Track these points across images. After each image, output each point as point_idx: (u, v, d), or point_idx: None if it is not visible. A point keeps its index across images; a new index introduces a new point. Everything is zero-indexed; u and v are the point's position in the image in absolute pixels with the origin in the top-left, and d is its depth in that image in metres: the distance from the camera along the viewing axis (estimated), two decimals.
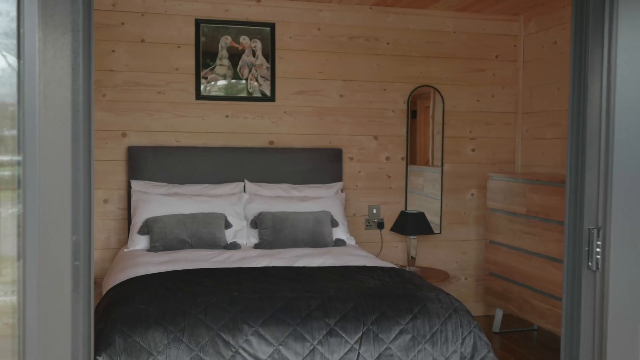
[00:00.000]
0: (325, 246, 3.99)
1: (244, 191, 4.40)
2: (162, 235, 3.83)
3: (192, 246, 3.85)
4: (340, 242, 4.06)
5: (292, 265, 3.31)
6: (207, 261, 3.41)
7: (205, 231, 3.89)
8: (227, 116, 4.54)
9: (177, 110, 4.46)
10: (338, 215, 4.28)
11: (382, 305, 2.67)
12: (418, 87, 4.87)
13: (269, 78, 4.59)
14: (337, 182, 4.61)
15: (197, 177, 4.40)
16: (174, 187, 4.29)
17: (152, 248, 3.78)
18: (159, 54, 4.41)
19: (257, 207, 4.20)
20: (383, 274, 3.13)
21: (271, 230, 3.99)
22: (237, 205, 4.20)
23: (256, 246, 3.94)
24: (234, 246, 3.86)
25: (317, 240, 4.00)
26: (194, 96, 4.48)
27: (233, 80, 4.53)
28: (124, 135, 4.38)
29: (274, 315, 2.53)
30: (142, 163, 4.33)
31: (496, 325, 4.57)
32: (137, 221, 4.02)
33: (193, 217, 3.96)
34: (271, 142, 4.62)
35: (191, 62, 4.46)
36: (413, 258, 4.57)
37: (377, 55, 4.79)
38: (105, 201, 4.36)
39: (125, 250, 3.94)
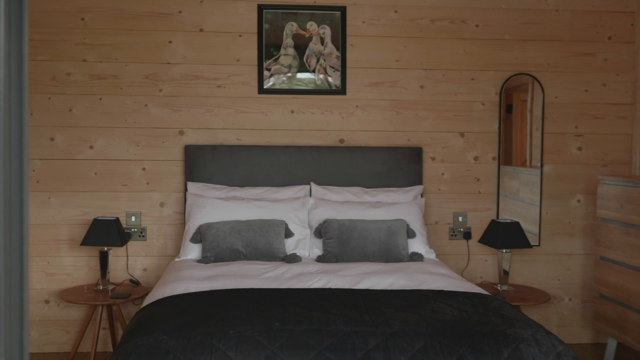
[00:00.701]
0: (399, 261, 3.43)
1: (310, 195, 3.92)
2: (215, 245, 3.43)
3: (246, 257, 3.42)
4: (416, 257, 3.48)
5: (354, 288, 2.78)
6: (257, 277, 2.96)
7: (262, 240, 3.44)
8: (292, 111, 4.08)
9: (238, 106, 4.05)
10: (416, 225, 3.70)
11: (460, 346, 2.09)
12: (513, 75, 4.19)
13: (339, 68, 4.08)
14: (416, 185, 4.03)
15: (258, 179, 3.98)
16: (232, 190, 3.88)
17: (203, 259, 3.39)
18: (219, 44, 4.02)
19: (322, 214, 3.71)
20: (465, 302, 2.53)
21: (337, 241, 3.49)
22: (300, 211, 3.73)
23: (319, 259, 3.44)
24: (293, 259, 3.38)
25: (390, 253, 3.45)
26: (256, 90, 4.06)
27: (299, 73, 4.06)
28: (181, 133, 4.03)
29: (320, 355, 2.02)
30: (200, 163, 3.96)
31: (608, 358, 3.82)
32: (190, 228, 3.65)
33: (249, 224, 3.52)
34: (341, 140, 4.11)
35: (253, 53, 4.04)
36: (506, 274, 3.91)
37: (464, 39, 4.16)
38: (161, 204, 4.03)
39: (176, 259, 3.58)
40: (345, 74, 4.09)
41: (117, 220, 3.77)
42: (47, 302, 3.98)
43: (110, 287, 3.78)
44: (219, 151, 3.97)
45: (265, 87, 4.05)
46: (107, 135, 3.98)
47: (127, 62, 3.97)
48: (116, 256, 4.01)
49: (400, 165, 4.05)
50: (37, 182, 3.95)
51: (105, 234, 3.70)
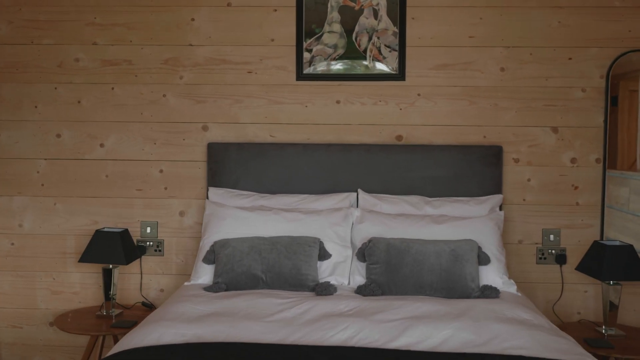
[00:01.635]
0: (466, 296, 2.59)
1: (356, 206, 3.14)
2: (228, 268, 2.73)
3: (267, 285, 2.70)
4: (490, 292, 2.62)
5: (389, 347, 1.97)
6: (265, 320, 2.21)
7: (288, 264, 2.70)
8: (337, 102, 3.32)
9: (272, 95, 3.33)
10: (491, 246, 2.84)
11: None
12: (624, 53, 3.22)
13: (397, 48, 3.28)
14: (494, 194, 3.16)
15: (294, 184, 3.24)
16: (261, 197, 3.17)
17: (213, 286, 2.70)
18: (250, 21, 3.32)
19: (369, 230, 2.93)
20: None
21: (383, 266, 2.69)
22: (341, 225, 2.96)
23: (359, 290, 2.66)
24: (325, 289, 2.62)
25: (453, 286, 2.61)
26: (293, 76, 3.32)
27: (347, 54, 3.29)
28: (204, 128, 3.36)
29: None
30: (225, 165, 3.28)
31: None
32: (205, 244, 2.98)
33: (274, 242, 2.79)
34: (399, 137, 3.30)
35: (291, 30, 3.31)
36: (614, 310, 2.96)
37: (559, 7, 3.24)
38: (181, 214, 3.38)
39: (186, 283, 2.92)
40: (404, 54, 3.28)
41: (123, 233, 3.16)
42: (51, 324, 3.43)
43: (117, 311, 3.17)
44: (247, 150, 3.27)
45: (304, 72, 3.31)
46: (120, 131, 3.38)
47: (142, 45, 3.35)
48: (129, 274, 3.40)
49: (473, 169, 3.18)
50: (42, 185, 3.41)
51: (108, 249, 3.09)
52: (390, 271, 2.67)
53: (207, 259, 2.88)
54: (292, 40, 3.31)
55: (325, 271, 2.83)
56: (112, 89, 3.37)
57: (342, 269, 2.84)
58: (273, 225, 2.93)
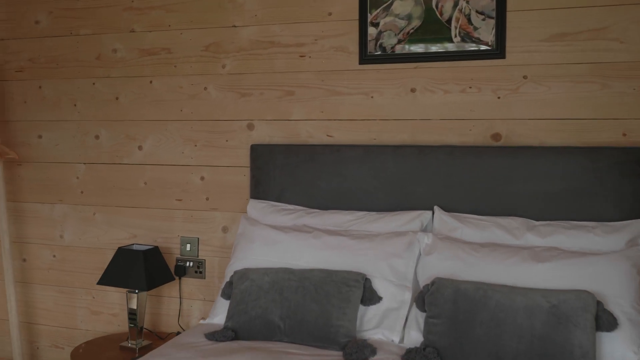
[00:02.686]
0: None
1: (429, 228, 2.33)
2: (241, 309, 2.09)
3: (286, 335, 2.01)
4: None
5: None
6: None
7: (315, 310, 1.99)
8: (413, 90, 2.52)
9: (329, 83, 2.63)
10: (622, 302, 1.88)
11: None
12: None
13: (493, 14, 2.40)
14: (635, 219, 2.16)
15: (353, 198, 2.51)
16: (308, 214, 2.48)
17: (219, 332, 2.06)
18: None
19: (438, 266, 2.11)
20: None
21: (447, 323, 1.87)
22: (402, 257, 2.18)
23: (407, 356, 1.85)
24: (358, 351, 1.85)
25: None
26: (356, 58, 2.59)
27: (424, 34, 2.48)
28: (250, 127, 2.75)
29: None
30: (269, 171, 2.64)
31: None
32: (228, 273, 2.36)
33: (303, 278, 2.09)
34: (496, 137, 2.43)
35: (352, 1, 2.58)
36: None
37: None
38: (224, 229, 2.80)
39: (201, 322, 2.33)
40: (503, 23, 2.39)
41: (149, 252, 2.66)
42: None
43: (146, 342, 2.68)
44: (296, 153, 2.60)
45: (369, 52, 2.55)
46: (159, 131, 2.89)
47: (182, 29, 2.83)
48: (168, 297, 2.91)
49: (605, 181, 2.21)
50: (81, 192, 3.04)
51: (129, 271, 2.60)
52: (457, 330, 1.84)
53: (225, 293, 2.26)
54: (354, 12, 2.57)
55: (371, 321, 2.07)
56: (150, 82, 2.89)
57: (394, 320, 2.06)
58: (310, 252, 2.23)
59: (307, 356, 1.86)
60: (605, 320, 1.80)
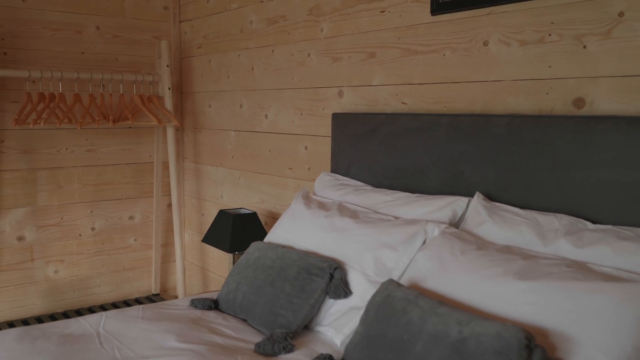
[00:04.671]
0: None
1: (463, 215, 1.85)
2: (228, 280, 2.03)
3: (243, 314, 1.89)
4: None
5: None
6: None
7: (267, 294, 1.81)
8: (485, 43, 1.99)
9: (405, 42, 2.26)
10: (604, 356, 1.19)
11: None
12: None
13: None
14: None
15: (406, 175, 2.14)
16: (357, 191, 2.22)
17: (202, 301, 2.04)
18: None
19: (421, 266, 1.66)
20: None
21: (362, 334, 1.48)
22: (397, 250, 1.79)
23: None
24: (273, 345, 1.62)
25: None
26: (427, 9, 2.16)
27: None
28: (340, 94, 2.57)
29: None
30: (341, 143, 2.45)
31: None
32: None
33: (282, 257, 1.91)
34: (577, 102, 1.74)
35: None
36: None
37: None
38: None
39: None
40: None
41: (241, 217, 2.76)
42: None
43: None
44: (362, 123, 2.33)
45: (441, 0, 2.10)
46: (278, 99, 2.94)
47: None
48: None
49: None
50: (232, 157, 3.31)
51: (222, 233, 2.76)
52: (367, 347, 1.44)
53: None
54: None
55: (331, 316, 1.76)
56: (273, 51, 2.94)
57: (347, 320, 1.71)
58: (313, 232, 2.01)
59: (232, 338, 1.72)
60: None
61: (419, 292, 1.47)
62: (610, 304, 1.25)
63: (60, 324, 1.84)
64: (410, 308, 1.40)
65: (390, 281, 1.56)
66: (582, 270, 1.39)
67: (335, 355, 1.57)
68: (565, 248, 1.51)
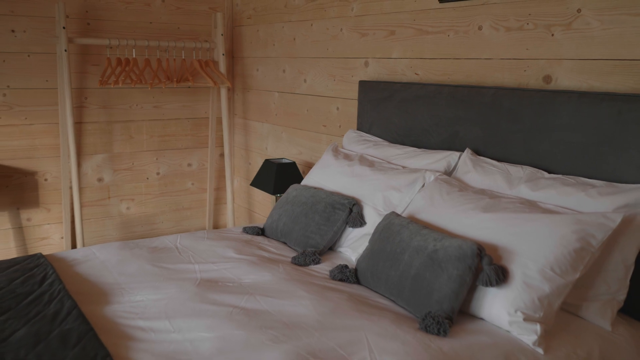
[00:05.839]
0: (424, 329, 1.73)
1: (453, 168, 2.37)
2: (272, 212, 2.62)
3: (283, 237, 2.48)
4: (433, 325, 1.66)
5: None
6: (172, 267, 2.14)
7: (301, 222, 2.39)
8: (480, 28, 2.47)
9: (419, 23, 2.75)
10: (532, 264, 1.71)
11: None
12: None
13: None
14: None
15: (415, 134, 2.67)
16: (376, 145, 2.77)
17: (252, 228, 2.64)
18: None
19: (416, 203, 2.20)
20: None
21: (369, 249, 2.04)
22: (401, 191, 2.33)
23: (335, 269, 2.11)
24: (305, 258, 2.21)
25: (416, 302, 1.78)
26: None
27: None
28: (366, 64, 3.09)
29: None
30: (364, 106, 2.97)
31: None
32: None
33: (311, 195, 2.49)
34: (547, 79, 2.23)
35: None
36: None
37: None
38: None
39: None
40: None
41: (283, 165, 3.33)
42: None
43: None
44: (381, 90, 2.85)
45: None
46: (316, 67, 3.46)
47: None
48: None
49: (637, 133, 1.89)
50: (276, 115, 3.87)
51: (267, 178, 3.34)
52: (371, 257, 2.01)
53: None
54: None
55: (349, 240, 2.34)
56: (311, 25, 3.45)
57: (362, 242, 2.28)
58: (338, 178, 2.57)
59: (275, 254, 2.32)
60: (485, 275, 1.71)
61: (410, 220, 2.02)
62: (542, 228, 1.77)
63: (146, 240, 2.47)
64: (402, 230, 1.95)
65: (392, 212, 2.11)
66: (530, 206, 1.91)
67: (349, 266, 2.16)
68: (524, 191, 2.03)
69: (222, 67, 3.91)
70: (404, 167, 2.49)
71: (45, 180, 3.75)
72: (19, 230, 3.73)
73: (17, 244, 3.73)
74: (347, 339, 1.58)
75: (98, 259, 2.20)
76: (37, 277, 1.96)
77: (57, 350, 1.49)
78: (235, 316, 1.71)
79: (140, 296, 1.87)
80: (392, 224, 2.03)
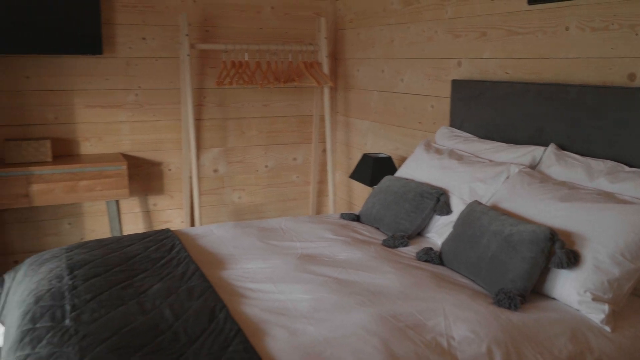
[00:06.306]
0: (498, 303, 1.92)
1: (538, 163, 2.52)
2: (367, 201, 2.87)
3: (376, 223, 2.72)
4: (505, 300, 1.84)
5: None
6: (276, 243, 2.46)
7: (392, 209, 2.63)
8: (567, 29, 2.59)
9: (508, 24, 2.90)
10: (603, 249, 1.85)
11: None
12: None
13: None
14: None
15: (502, 130, 2.82)
16: (466, 141, 2.94)
17: (349, 214, 2.91)
18: None
19: (498, 193, 2.38)
20: None
21: (453, 233, 2.25)
22: (486, 182, 2.50)
23: (421, 251, 2.33)
24: (394, 241, 2.45)
25: (491, 280, 1.97)
26: (524, 0, 2.78)
27: None
28: (459, 64, 3.26)
29: None
30: (456, 103, 3.16)
31: None
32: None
33: (402, 185, 2.71)
34: (631, 77, 2.33)
35: None
36: None
37: None
38: None
39: None
40: None
41: (379, 160, 3.57)
42: None
43: None
44: (472, 88, 3.02)
45: None
46: (412, 67, 3.68)
47: None
48: None
49: None
50: (374, 112, 4.12)
51: (365, 171, 3.60)
52: (454, 241, 2.21)
53: None
54: None
55: (437, 226, 2.55)
56: (408, 28, 3.67)
57: (448, 228, 2.48)
58: (428, 170, 2.78)
59: (367, 237, 2.57)
60: (557, 258, 1.87)
61: (490, 207, 2.20)
62: (614, 216, 1.90)
63: (256, 222, 2.81)
64: (482, 217, 2.14)
65: (475, 201, 2.30)
66: (606, 197, 2.04)
67: (434, 248, 2.37)
68: (603, 184, 2.15)
69: (326, 68, 4.21)
70: (490, 160, 2.66)
71: (169, 170, 4.23)
72: (147, 213, 4.24)
73: (145, 226, 4.25)
74: (425, 307, 1.81)
75: (215, 235, 2.57)
76: (166, 246, 2.35)
77: (184, 301, 1.83)
78: (329, 284, 1.99)
79: (250, 265, 2.20)
80: (473, 210, 2.22)
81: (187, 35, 3.83)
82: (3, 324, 2.24)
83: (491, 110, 2.88)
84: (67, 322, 1.76)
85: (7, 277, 2.40)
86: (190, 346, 1.59)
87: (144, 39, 3.98)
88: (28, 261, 2.37)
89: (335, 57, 4.56)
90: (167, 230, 2.57)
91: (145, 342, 1.61)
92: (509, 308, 1.82)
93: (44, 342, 1.69)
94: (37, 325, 1.79)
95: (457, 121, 3.13)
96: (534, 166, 2.51)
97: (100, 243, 2.43)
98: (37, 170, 3.44)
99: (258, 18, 4.29)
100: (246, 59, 4.06)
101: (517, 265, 1.90)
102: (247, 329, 1.68)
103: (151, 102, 4.08)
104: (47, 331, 1.74)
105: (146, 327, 1.69)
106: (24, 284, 2.17)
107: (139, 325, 1.70)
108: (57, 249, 2.42)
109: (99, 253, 2.29)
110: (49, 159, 3.60)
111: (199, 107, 4.23)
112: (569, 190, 2.14)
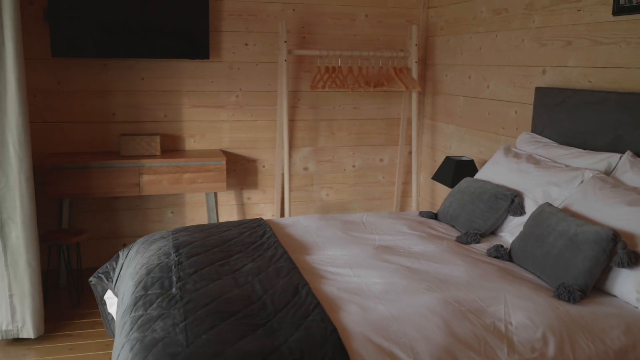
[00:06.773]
0: (559, 302, 2.05)
1: (613, 169, 2.59)
2: (445, 200, 3.04)
3: (452, 221, 2.88)
4: (568, 294, 1.95)
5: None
6: (354, 233, 2.68)
7: (468, 209, 2.78)
8: None
9: (592, 34, 2.97)
10: None
11: None
12: None
13: None
14: None
15: (580, 137, 2.90)
16: (545, 146, 3.04)
17: (427, 212, 3.08)
18: None
19: (570, 197, 2.48)
20: None
21: (523, 232, 2.37)
22: (559, 186, 2.60)
23: (491, 248, 2.48)
24: (467, 238, 2.60)
25: (555, 277, 2.09)
26: (609, 10, 2.83)
27: None
28: (544, 72, 3.35)
29: None
30: (538, 110, 3.25)
31: None
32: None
33: (479, 187, 2.86)
34: None
35: None
36: None
37: None
38: None
39: None
40: None
41: (462, 162, 3.71)
42: None
43: None
44: (553, 96, 3.11)
45: (621, 5, 2.77)
46: (498, 74, 3.79)
47: None
48: None
49: None
50: (460, 117, 4.26)
51: (446, 173, 3.75)
52: (523, 239, 2.34)
53: None
54: None
55: (510, 226, 2.67)
56: (496, 36, 3.78)
57: (519, 228, 2.60)
58: (505, 173, 2.90)
59: (442, 233, 2.74)
60: (619, 257, 1.96)
61: (560, 209, 2.32)
62: None
63: (339, 215, 3.05)
64: (551, 217, 2.26)
65: (546, 203, 2.42)
66: None
67: (505, 246, 2.51)
68: None
69: (415, 74, 4.39)
70: (567, 165, 2.75)
71: (263, 167, 4.57)
72: (241, 206, 4.60)
73: (239, 218, 4.61)
74: (487, 295, 1.97)
75: (302, 225, 2.83)
76: (258, 232, 2.64)
77: (272, 279, 2.10)
78: (401, 271, 2.19)
79: (331, 252, 2.44)
80: (543, 211, 2.35)
81: (285, 41, 4.13)
82: (117, 295, 2.60)
83: (572, 117, 2.96)
84: (174, 290, 2.06)
85: (121, 254, 2.77)
86: (276, 314, 1.84)
87: (246, 44, 4.33)
88: (140, 241, 2.73)
89: (426, 62, 4.72)
90: (260, 219, 2.86)
91: (238, 309, 1.88)
92: (568, 301, 1.95)
93: (155, 305, 2.00)
94: (149, 292, 2.11)
95: (539, 127, 3.22)
96: (609, 172, 2.58)
97: (201, 228, 2.76)
98: (147, 162, 3.86)
99: (352, 25, 4.53)
100: (339, 64, 4.31)
101: (580, 263, 2.02)
102: (325, 303, 1.92)
103: (250, 104, 4.43)
104: (157, 297, 2.05)
105: (239, 297, 1.96)
106: (137, 259, 2.52)
107: (233, 296, 1.98)
108: (164, 231, 2.78)
109: (200, 236, 2.61)
110: (158, 153, 4.02)
111: (293, 108, 4.54)
112: (638, 196, 2.22)
